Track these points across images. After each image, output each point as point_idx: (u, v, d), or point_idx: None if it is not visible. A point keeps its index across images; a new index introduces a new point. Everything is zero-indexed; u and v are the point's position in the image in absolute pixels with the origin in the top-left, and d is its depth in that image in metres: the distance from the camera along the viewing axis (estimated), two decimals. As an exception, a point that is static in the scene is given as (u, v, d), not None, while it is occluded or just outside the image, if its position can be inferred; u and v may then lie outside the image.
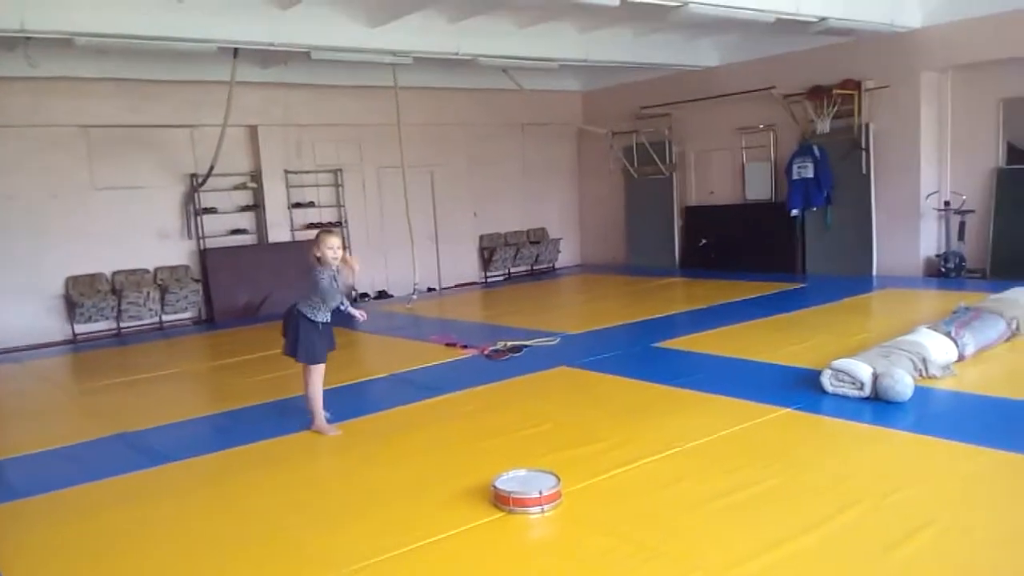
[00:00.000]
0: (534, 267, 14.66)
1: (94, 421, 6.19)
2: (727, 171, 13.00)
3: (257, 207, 11.84)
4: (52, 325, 10.23)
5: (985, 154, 10.36)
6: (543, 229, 14.94)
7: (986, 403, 5.15)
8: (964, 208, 10.38)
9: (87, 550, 3.76)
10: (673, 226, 13.80)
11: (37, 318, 10.11)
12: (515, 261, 14.33)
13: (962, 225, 10.38)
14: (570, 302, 11.85)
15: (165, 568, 3.52)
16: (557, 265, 14.95)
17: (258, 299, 11.41)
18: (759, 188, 12.53)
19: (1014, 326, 6.57)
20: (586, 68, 13.03)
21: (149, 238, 10.96)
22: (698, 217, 13.49)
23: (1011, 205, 10.09)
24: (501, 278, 14.21)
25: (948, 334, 5.95)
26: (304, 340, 5.22)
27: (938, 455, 4.30)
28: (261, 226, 11.88)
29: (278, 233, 11.90)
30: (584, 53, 11.14)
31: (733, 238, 12.75)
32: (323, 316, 5.25)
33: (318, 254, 5.10)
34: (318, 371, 5.31)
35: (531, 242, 14.65)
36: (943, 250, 10.59)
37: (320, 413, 5.35)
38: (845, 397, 5.26)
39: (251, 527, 3.91)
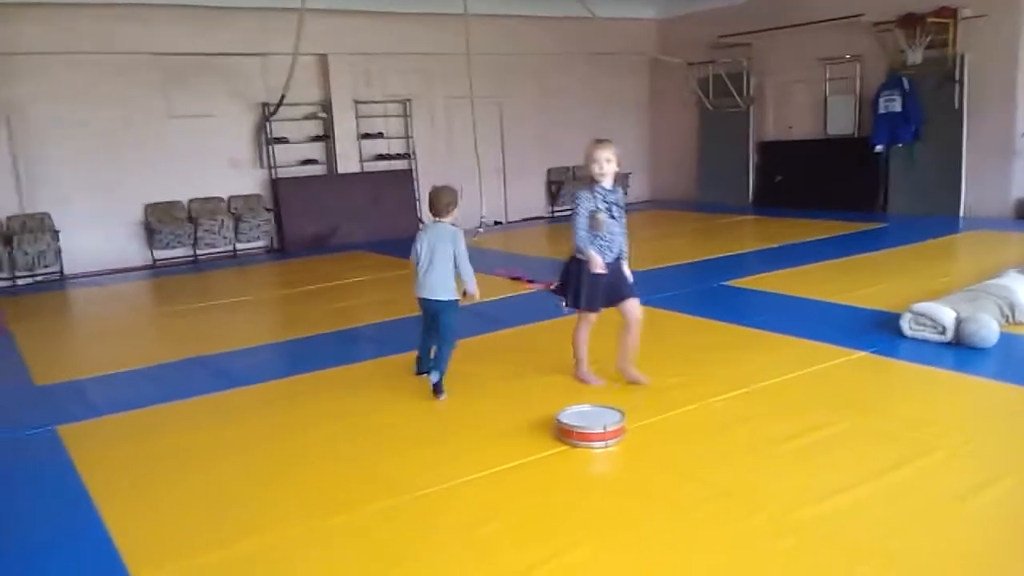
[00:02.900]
0: (602, 202, 14.40)
1: (172, 344, 6.41)
2: (807, 104, 12.44)
3: (327, 137, 11.89)
4: (133, 250, 10.59)
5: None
6: (612, 163, 14.63)
7: (1078, 352, 4.89)
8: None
9: (162, 466, 3.91)
10: (748, 161, 13.36)
11: (118, 243, 10.47)
12: (583, 196, 14.10)
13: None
14: (638, 238, 11.50)
15: (237, 485, 3.65)
16: (627, 200, 14.67)
17: (328, 229, 11.56)
18: (841, 122, 11.96)
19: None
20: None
21: (223, 167, 11.15)
22: (775, 152, 13.01)
23: (1118, 143, 9.42)
24: (569, 212, 14.02)
25: (1040, 279, 5.64)
26: (568, 279, 4.54)
27: (1020, 403, 4.11)
28: (331, 157, 11.95)
29: (347, 164, 11.97)
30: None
31: (811, 175, 12.26)
32: (592, 249, 4.38)
33: (589, 172, 4.39)
34: (584, 319, 4.62)
35: (600, 176, 14.37)
36: (1037, 189, 9.99)
37: (582, 360, 4.68)
38: (925, 341, 5.05)
39: (318, 450, 4.01)
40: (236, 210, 11.13)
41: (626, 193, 14.47)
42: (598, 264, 4.34)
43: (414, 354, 5.14)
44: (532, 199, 13.83)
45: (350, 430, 4.26)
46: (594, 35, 13.17)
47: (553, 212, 13.97)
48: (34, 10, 9.43)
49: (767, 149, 13.11)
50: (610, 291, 4.48)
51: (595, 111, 14.21)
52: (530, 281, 7.71)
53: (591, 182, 4.41)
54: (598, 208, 4.37)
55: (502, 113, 13.30)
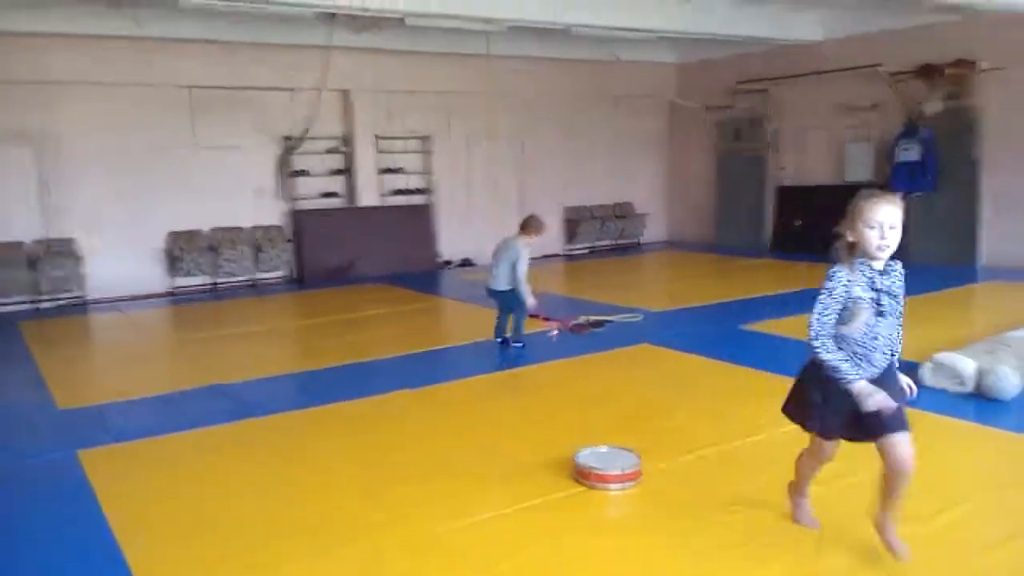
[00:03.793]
0: (618, 241, 14.49)
1: (191, 371, 6.47)
2: (824, 150, 12.50)
3: (347, 171, 12.05)
4: (154, 277, 10.70)
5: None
6: (629, 203, 14.72)
7: (1099, 406, 4.85)
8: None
9: (180, 495, 3.93)
10: (765, 205, 13.41)
11: (141, 270, 10.59)
12: (600, 235, 14.19)
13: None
14: (655, 279, 11.70)
15: (253, 517, 3.66)
16: (642, 240, 14.74)
17: (346, 262, 11.66)
18: (859, 169, 12.00)
19: None
20: (683, 40, 12.69)
21: (245, 197, 11.30)
22: (792, 197, 13.05)
23: None
24: (585, 251, 14.11)
25: (1061, 332, 5.61)
26: (804, 385, 3.20)
27: (1045, 459, 4.08)
28: (351, 190, 12.10)
29: (367, 198, 12.10)
30: (683, 25, 10.82)
31: (830, 221, 12.19)
32: (839, 361, 2.89)
33: (850, 238, 2.96)
34: (816, 444, 3.26)
35: (616, 216, 14.47)
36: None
37: (802, 495, 3.41)
38: (944, 392, 5.03)
39: (335, 482, 4.01)
40: (257, 240, 11.26)
41: (643, 231, 14.58)
42: (865, 394, 2.84)
43: (433, 387, 5.18)
44: (549, 237, 13.88)
45: (365, 463, 4.27)
46: (615, 78, 13.37)
47: (570, 250, 14.03)
48: (70, 40, 9.67)
49: (785, 194, 13.16)
50: (859, 417, 2.91)
51: (614, 152, 14.36)
52: (546, 319, 7.74)
53: (853, 253, 2.94)
54: (858, 299, 2.88)
55: (522, 151, 13.44)
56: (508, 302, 6.73)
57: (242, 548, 3.32)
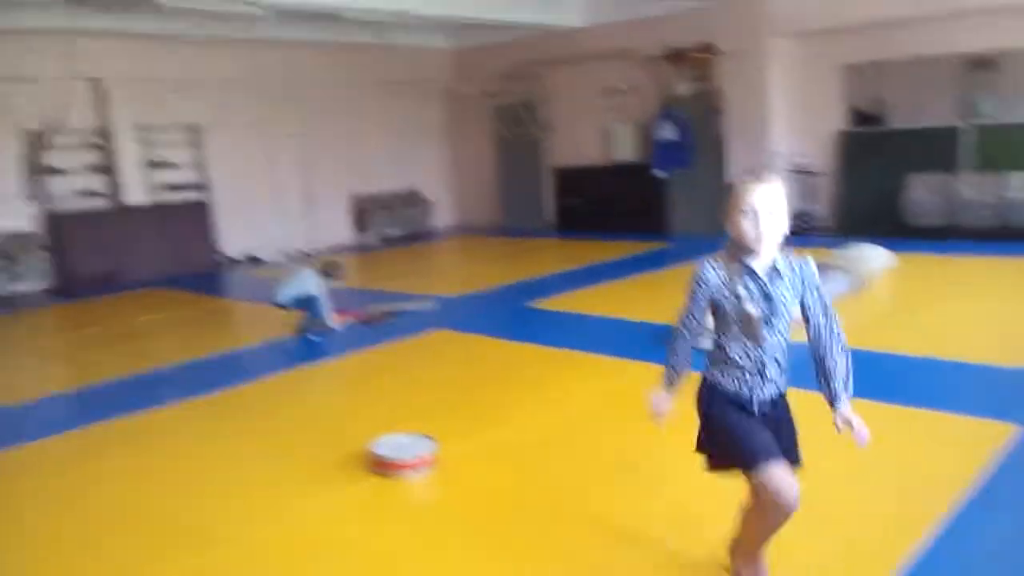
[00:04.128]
0: (409, 230, 14.53)
1: (-67, 403, 5.73)
2: (594, 132, 13.26)
3: (108, 168, 11.11)
4: None
5: (829, 117, 11.04)
6: (417, 192, 14.80)
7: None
8: (811, 170, 11.06)
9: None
10: (545, 187, 14.01)
11: None
12: (390, 223, 14.16)
13: (811, 185, 11.08)
14: (445, 265, 11.88)
15: (15, 554, 3.35)
16: (433, 227, 14.89)
17: (115, 266, 10.78)
18: (626, 149, 12.86)
19: (859, 281, 7.12)
20: (456, 26, 12.90)
21: (-13, 202, 10.11)
22: (569, 178, 13.73)
23: (854, 166, 10.85)
24: (375, 241, 14.02)
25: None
26: (709, 425, 2.57)
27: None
28: (114, 188, 11.17)
29: (134, 195, 11.24)
30: (452, 10, 10.94)
31: (604, 199, 13.07)
32: (724, 367, 2.50)
33: (730, 223, 2.43)
34: (761, 487, 2.37)
35: (405, 205, 14.50)
36: (794, 210, 11.28)
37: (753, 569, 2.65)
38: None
39: (109, 509, 3.75)
40: (6, 249, 10.11)
41: (432, 218, 14.71)
42: (654, 411, 2.64)
43: (221, 393, 4.95)
44: (338, 227, 13.67)
45: (147, 482, 4.03)
46: (391, 64, 13.36)
47: (360, 241, 13.88)
48: None
49: (562, 175, 13.82)
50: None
51: (398, 139, 14.34)
52: (340, 312, 7.63)
53: (737, 251, 2.44)
54: (736, 296, 2.41)
55: (302, 141, 13.06)
56: (301, 306, 6.83)
57: (10, 591, 3.04)
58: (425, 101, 14.76)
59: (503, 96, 13.93)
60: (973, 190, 9.63)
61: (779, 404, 2.52)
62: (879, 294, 7.29)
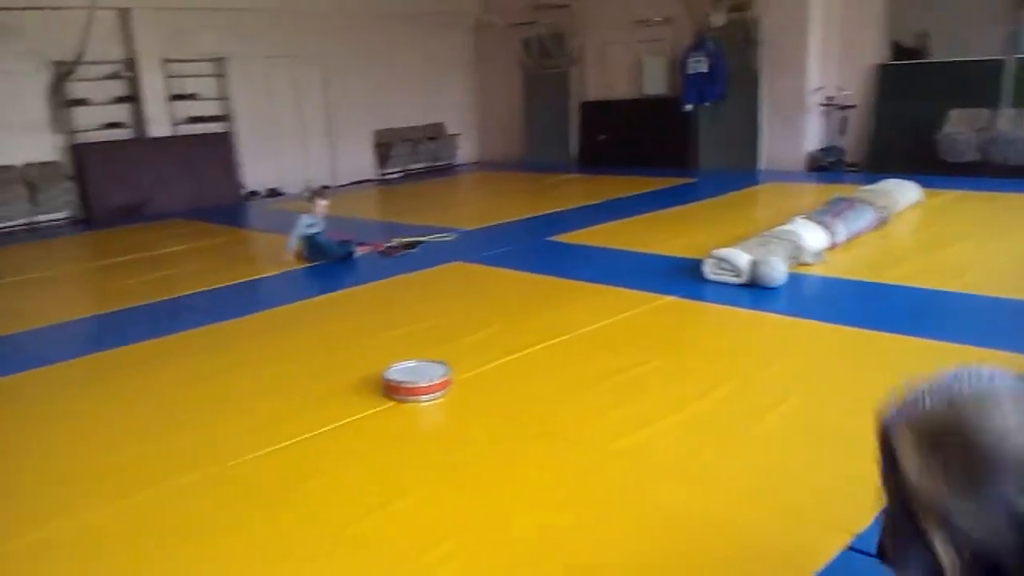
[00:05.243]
0: (432, 163, 14.43)
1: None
2: (625, 65, 12.95)
3: (133, 99, 11.09)
4: (-91, 227, 9.50)
5: (869, 50, 10.65)
6: (441, 124, 14.64)
7: (849, 286, 5.49)
8: (846, 103, 10.74)
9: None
10: (572, 121, 13.77)
11: None
12: (412, 157, 14.05)
13: (843, 120, 10.77)
14: (468, 198, 11.80)
15: (25, 473, 3.43)
16: (456, 161, 14.76)
17: (140, 197, 10.86)
18: (656, 83, 12.57)
19: (884, 215, 6.96)
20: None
21: (14, 132, 10.14)
22: (596, 112, 13.49)
23: (890, 101, 10.51)
24: (398, 175, 13.95)
25: (821, 223, 6.26)
26: None
27: (803, 334, 4.59)
28: (139, 119, 11.17)
29: (158, 127, 11.23)
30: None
31: (630, 133, 12.83)
32: None
33: None
34: None
35: (428, 138, 14.36)
36: (825, 144, 11.00)
37: None
38: (725, 284, 5.50)
39: (130, 427, 3.83)
40: (31, 179, 10.20)
41: (456, 152, 14.60)
42: None
43: (240, 319, 4.99)
44: (361, 161, 13.60)
45: (164, 403, 4.09)
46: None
47: (383, 174, 13.82)
48: None
49: (589, 109, 13.57)
50: None
51: (421, 72, 14.12)
52: (359, 243, 7.63)
53: None
54: None
55: (326, 74, 12.91)
56: (311, 248, 7.19)
57: (29, 504, 3.12)
58: (452, 33, 14.47)
59: (531, 28, 13.60)
60: (1012, 126, 9.30)
61: None
62: (907, 229, 7.12)
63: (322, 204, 7.36)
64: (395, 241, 7.60)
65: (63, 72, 10.25)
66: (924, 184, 8.05)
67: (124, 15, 10.77)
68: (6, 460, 3.55)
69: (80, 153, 10.55)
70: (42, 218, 10.31)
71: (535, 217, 8.92)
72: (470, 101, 15.12)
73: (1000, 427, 1.26)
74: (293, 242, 7.17)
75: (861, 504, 2.25)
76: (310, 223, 7.21)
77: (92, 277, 7.68)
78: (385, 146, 13.73)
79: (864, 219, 6.68)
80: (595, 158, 13.25)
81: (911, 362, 3.93)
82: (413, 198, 11.56)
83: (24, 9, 9.91)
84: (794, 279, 5.52)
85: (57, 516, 2.99)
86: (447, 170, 14.33)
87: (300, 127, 12.44)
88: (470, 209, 10.47)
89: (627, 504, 2.86)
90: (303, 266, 7.00)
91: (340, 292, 6.22)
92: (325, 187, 7.51)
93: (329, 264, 7.02)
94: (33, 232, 10.09)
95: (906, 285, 5.30)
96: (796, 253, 5.79)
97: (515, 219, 8.85)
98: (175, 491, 3.14)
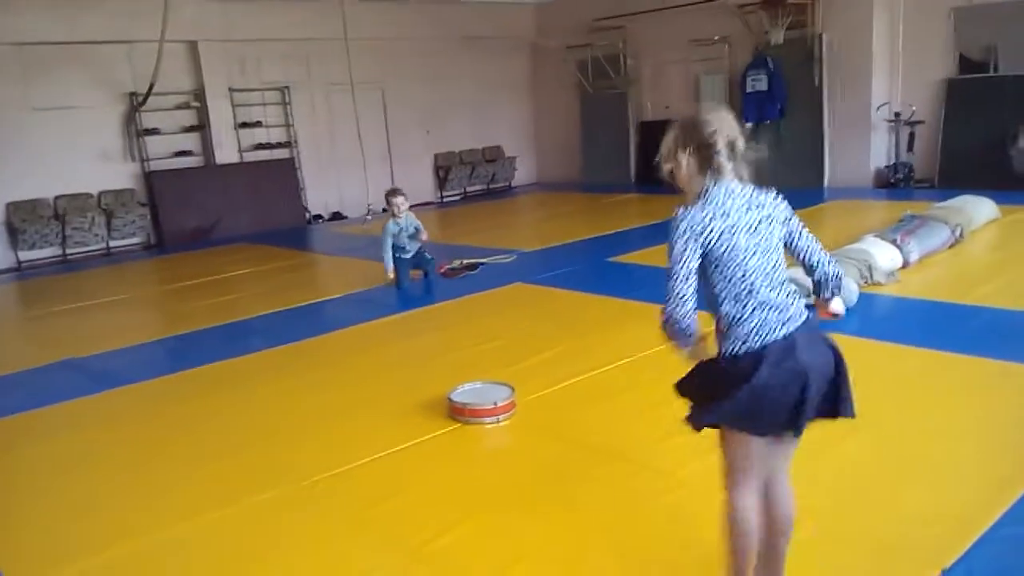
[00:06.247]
0: (490, 186, 14.52)
1: (41, 348, 6.07)
2: (681, 84, 12.87)
3: (202, 127, 11.45)
4: (-6, 253, 9.93)
5: (936, 65, 10.38)
6: (498, 147, 14.74)
7: (926, 307, 5.30)
8: (914, 119, 10.46)
9: (32, 475, 3.74)
10: (629, 141, 13.72)
11: (-23, 246, 9.79)
12: (471, 180, 14.17)
13: (912, 136, 10.49)
14: (526, 220, 11.82)
15: (117, 487, 3.52)
16: (513, 183, 14.82)
17: (208, 223, 11.17)
18: (714, 101, 12.44)
19: (958, 233, 6.72)
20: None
21: (90, 161, 10.56)
22: (653, 132, 13.39)
23: (960, 115, 10.19)
24: (457, 197, 14.07)
25: (894, 241, 6.07)
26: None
27: (879, 356, 4.44)
28: (207, 147, 11.52)
29: (225, 154, 11.56)
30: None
31: (688, 153, 12.66)
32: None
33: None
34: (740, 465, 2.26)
35: (487, 160, 14.47)
36: (893, 161, 10.72)
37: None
38: (793, 305, 5.35)
39: (206, 445, 3.91)
40: (107, 206, 10.59)
41: (513, 174, 14.65)
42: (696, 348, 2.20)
43: (306, 341, 5.07)
44: (420, 184, 13.75)
45: (236, 424, 4.17)
46: (473, 19, 13.21)
47: (442, 197, 13.95)
48: None
49: (646, 128, 13.50)
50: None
51: (478, 96, 14.26)
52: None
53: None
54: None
55: (385, 99, 13.15)
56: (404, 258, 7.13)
57: (106, 521, 3.20)
58: (508, 57, 14.60)
59: (587, 50, 13.63)
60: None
61: None
62: (984, 247, 6.87)
63: (399, 201, 7.05)
64: (456, 263, 7.65)
65: (136, 103, 10.65)
66: (998, 200, 7.76)
67: (192, 47, 11.16)
68: (97, 475, 3.67)
69: (152, 180, 10.92)
70: (116, 243, 10.68)
71: (594, 238, 8.87)
72: (527, 123, 15.20)
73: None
74: (389, 262, 7.02)
75: (951, 535, 2.14)
76: (396, 230, 7.04)
77: (163, 300, 7.90)
78: (444, 168, 13.88)
79: (938, 237, 6.46)
80: (654, 178, 13.09)
81: (996, 386, 3.78)
82: (472, 220, 11.63)
83: (100, 43, 10.34)
84: (866, 299, 5.36)
85: (145, 531, 3.08)
86: (505, 192, 14.40)
87: (361, 151, 12.66)
88: (529, 230, 10.49)
89: (700, 529, 2.78)
90: (367, 288, 7.07)
91: (404, 314, 6.27)
92: (396, 189, 7.27)
93: (391, 287, 7.06)
94: (108, 256, 10.45)
95: (987, 306, 5.10)
96: (867, 272, 5.62)
97: (574, 240, 8.82)
98: (254, 508, 3.20)
